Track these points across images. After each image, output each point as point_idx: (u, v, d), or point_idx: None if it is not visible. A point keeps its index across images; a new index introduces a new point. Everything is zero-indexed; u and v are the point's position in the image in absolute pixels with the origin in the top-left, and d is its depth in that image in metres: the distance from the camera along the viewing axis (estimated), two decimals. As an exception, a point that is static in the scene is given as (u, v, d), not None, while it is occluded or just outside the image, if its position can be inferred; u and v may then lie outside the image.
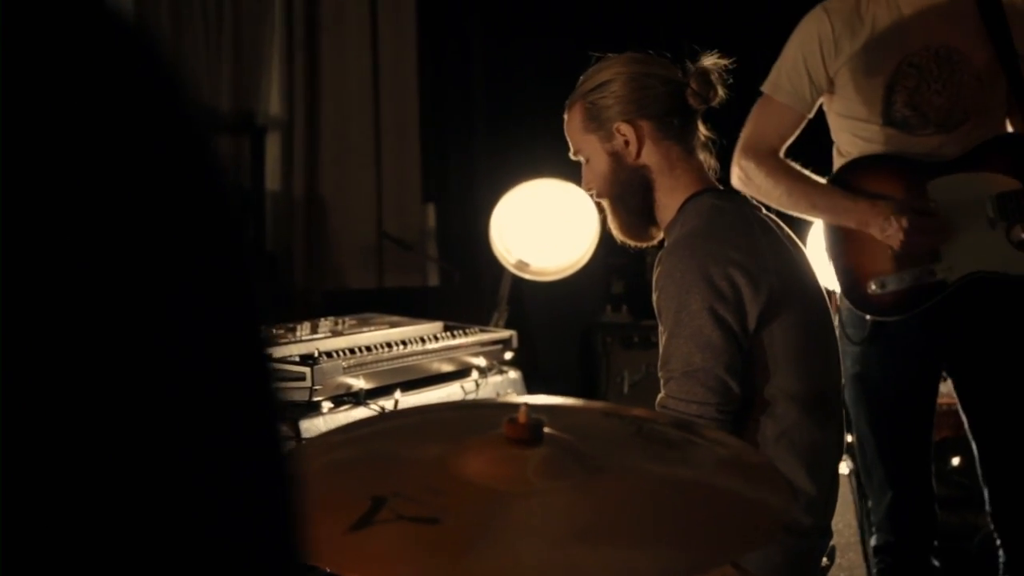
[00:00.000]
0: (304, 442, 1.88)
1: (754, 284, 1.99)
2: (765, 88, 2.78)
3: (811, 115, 2.78)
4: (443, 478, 1.16)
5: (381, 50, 4.98)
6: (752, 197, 2.69)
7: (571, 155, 2.24)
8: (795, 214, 2.72)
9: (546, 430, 1.20)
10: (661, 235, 2.21)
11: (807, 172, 2.73)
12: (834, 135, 2.78)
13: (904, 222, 2.57)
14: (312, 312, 2.81)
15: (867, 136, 2.69)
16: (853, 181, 2.70)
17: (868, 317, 2.70)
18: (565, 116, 2.22)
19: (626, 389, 4.06)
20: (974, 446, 2.71)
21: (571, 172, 3.09)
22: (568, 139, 2.22)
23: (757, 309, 1.99)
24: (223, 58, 4.82)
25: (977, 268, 2.61)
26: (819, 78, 2.71)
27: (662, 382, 2.03)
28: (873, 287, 2.66)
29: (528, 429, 1.18)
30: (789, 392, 2.03)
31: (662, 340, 2.05)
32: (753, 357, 2.01)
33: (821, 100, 2.77)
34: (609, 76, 2.16)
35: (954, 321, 2.65)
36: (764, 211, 2.18)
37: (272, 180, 4.95)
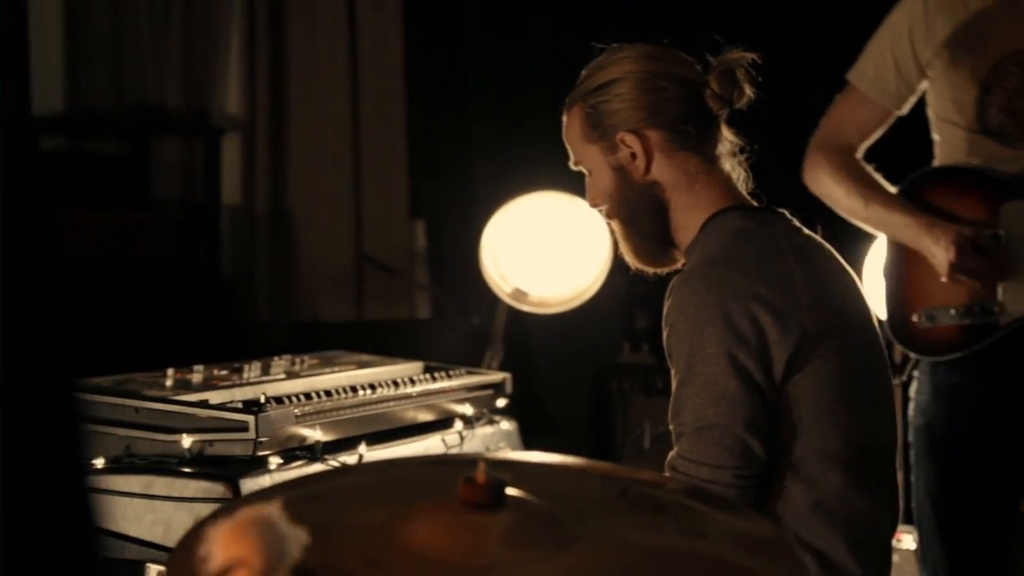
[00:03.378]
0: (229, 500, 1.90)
1: (782, 324, 1.98)
2: (850, 76, 2.81)
3: (901, 112, 2.81)
4: (386, 548, 1.17)
5: (360, 39, 5.03)
6: (823, 198, 2.73)
7: (571, 165, 2.26)
8: (854, 221, 2.77)
9: (510, 492, 1.21)
10: (683, 259, 2.21)
11: (878, 177, 2.76)
12: (933, 140, 2.81)
13: (952, 251, 2.59)
14: (277, 351, 2.84)
15: (958, 144, 2.72)
16: (922, 194, 2.72)
17: (911, 354, 2.73)
18: (564, 118, 2.23)
19: (647, 443, 4.06)
20: None
21: (579, 183, 3.12)
22: (567, 146, 2.24)
23: (785, 354, 1.98)
24: (172, 46, 4.88)
25: None
26: (908, 69, 2.74)
27: (673, 436, 2.04)
28: (917, 319, 2.68)
29: (487, 491, 1.20)
30: (827, 452, 2.01)
31: (674, 385, 2.05)
32: (781, 410, 2.00)
33: (915, 97, 2.78)
34: (615, 75, 2.15)
35: (1015, 380, 2.66)
36: (806, 233, 2.18)
37: (230, 192, 4.99)
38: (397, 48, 5.04)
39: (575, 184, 3.12)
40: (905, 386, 2.80)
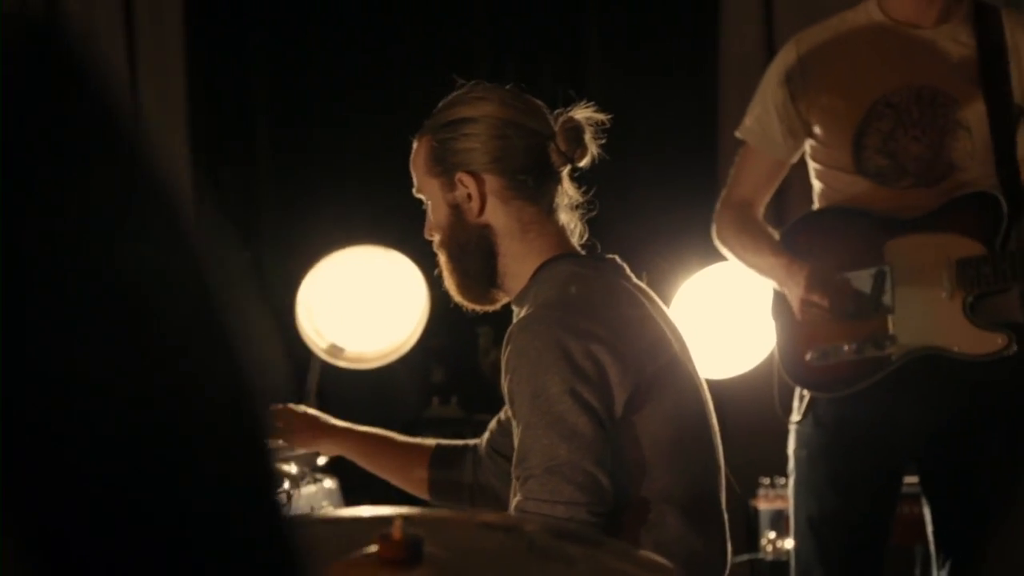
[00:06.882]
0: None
1: (622, 365, 2.03)
2: (737, 132, 2.90)
3: (793, 160, 2.89)
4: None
5: (141, 93, 4.90)
6: (726, 253, 2.85)
7: (414, 191, 2.27)
8: (747, 269, 2.85)
9: (426, 549, 1.20)
10: (505, 299, 2.25)
11: (765, 227, 2.84)
12: (814, 187, 2.90)
13: (802, 289, 2.69)
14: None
15: (839, 187, 2.81)
16: (803, 238, 2.82)
17: (805, 392, 2.81)
18: (414, 144, 2.25)
19: (457, 497, 4.06)
20: (934, 555, 2.81)
21: (391, 237, 3.13)
22: (412, 172, 2.25)
23: (625, 393, 2.03)
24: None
25: (926, 343, 2.72)
26: (790, 118, 2.82)
27: (518, 483, 2.04)
28: (810, 357, 2.77)
29: (405, 546, 1.19)
30: (665, 493, 2.06)
31: (516, 433, 2.06)
32: (621, 452, 2.05)
33: (802, 144, 2.86)
34: (468, 115, 2.18)
35: (909, 405, 2.75)
36: (635, 280, 2.24)
37: None
38: (180, 101, 4.94)
39: (389, 238, 3.15)
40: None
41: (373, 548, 1.20)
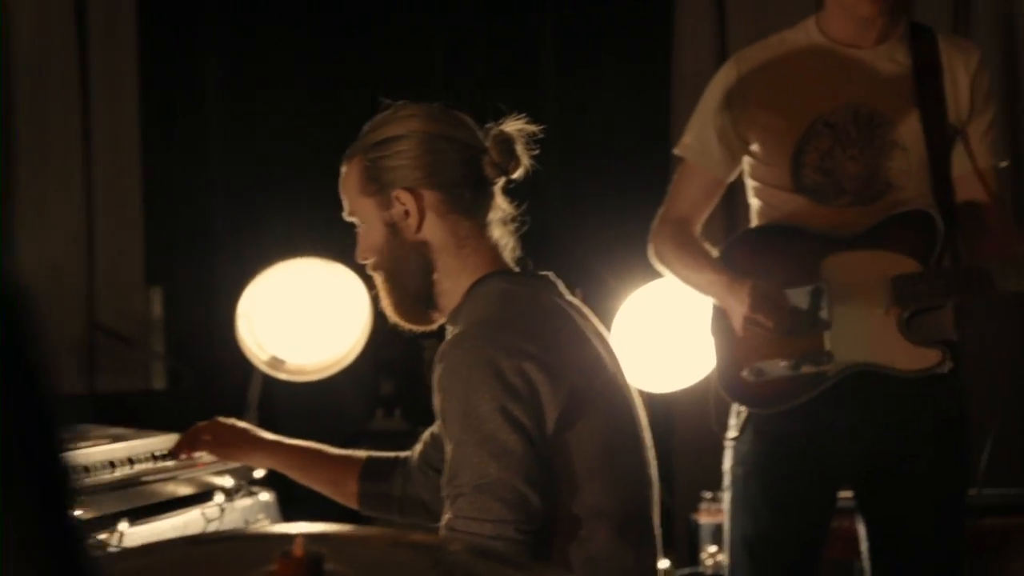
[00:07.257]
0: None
1: (553, 381, 2.03)
2: (676, 149, 2.93)
3: (731, 178, 2.92)
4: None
5: (94, 103, 4.89)
6: (662, 269, 2.88)
7: (344, 215, 2.26)
8: (685, 286, 2.87)
9: (328, 566, 1.21)
10: (441, 319, 2.26)
11: (703, 244, 2.87)
12: (750, 204, 2.93)
13: (746, 305, 2.70)
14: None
15: (777, 204, 2.84)
16: (741, 255, 2.85)
17: (742, 409, 2.82)
18: (343, 169, 2.24)
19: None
20: (869, 571, 2.84)
21: (335, 249, 3.14)
22: (342, 197, 2.25)
23: (556, 410, 2.03)
24: None
25: (862, 360, 2.74)
26: (728, 136, 2.85)
27: (448, 501, 2.04)
28: (747, 374, 2.78)
29: (306, 565, 1.19)
30: (596, 509, 2.07)
31: (447, 450, 2.07)
32: (553, 468, 2.05)
33: (740, 163, 2.89)
34: (398, 132, 2.18)
35: (844, 422, 2.77)
36: (568, 297, 2.25)
37: (-49, 257, 4.74)
38: (132, 109, 4.93)
39: (332, 250, 3.15)
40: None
41: (274, 566, 1.20)
